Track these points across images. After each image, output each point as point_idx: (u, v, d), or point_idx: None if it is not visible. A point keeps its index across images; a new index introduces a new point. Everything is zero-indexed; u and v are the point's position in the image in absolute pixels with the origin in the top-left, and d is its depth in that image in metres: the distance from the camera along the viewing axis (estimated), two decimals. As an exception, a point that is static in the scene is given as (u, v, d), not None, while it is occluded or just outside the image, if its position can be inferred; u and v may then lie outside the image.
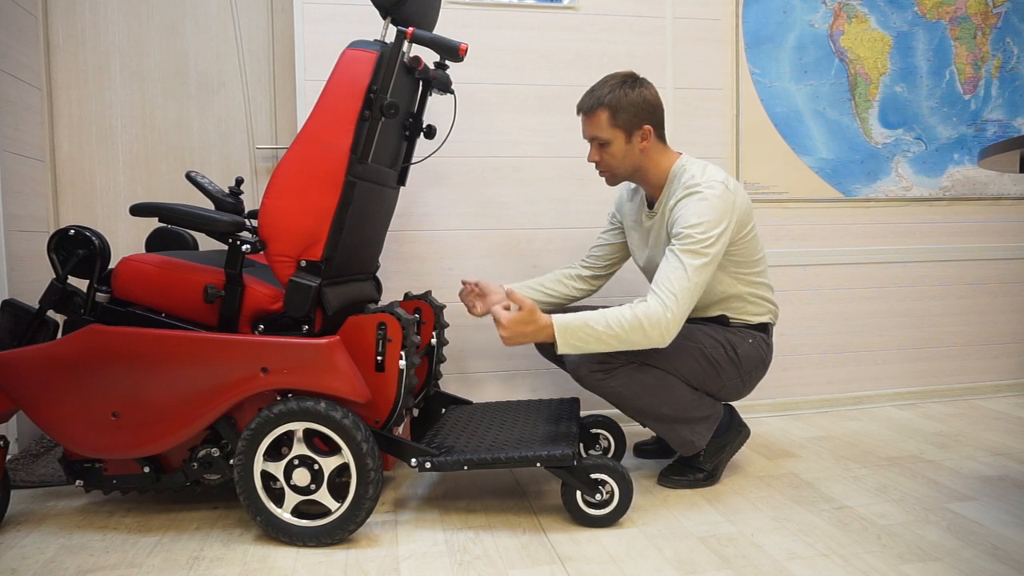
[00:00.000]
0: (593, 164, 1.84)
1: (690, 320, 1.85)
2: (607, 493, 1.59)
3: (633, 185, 1.96)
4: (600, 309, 1.62)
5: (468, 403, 2.04)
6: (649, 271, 1.90)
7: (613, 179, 1.82)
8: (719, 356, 1.76)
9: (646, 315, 1.56)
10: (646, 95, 1.73)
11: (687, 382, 1.76)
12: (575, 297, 2.02)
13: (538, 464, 1.56)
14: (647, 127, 1.74)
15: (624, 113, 1.72)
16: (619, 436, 1.99)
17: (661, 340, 1.57)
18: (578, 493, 1.59)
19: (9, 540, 1.56)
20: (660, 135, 1.78)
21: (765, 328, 1.85)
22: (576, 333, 1.56)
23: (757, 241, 1.79)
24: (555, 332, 1.56)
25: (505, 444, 1.62)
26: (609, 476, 1.58)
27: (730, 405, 1.92)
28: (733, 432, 1.89)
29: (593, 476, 1.58)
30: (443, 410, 2.01)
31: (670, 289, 1.58)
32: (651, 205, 1.84)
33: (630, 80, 1.74)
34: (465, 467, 1.55)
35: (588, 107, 1.76)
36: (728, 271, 1.77)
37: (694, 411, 1.77)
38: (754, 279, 1.80)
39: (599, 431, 2.00)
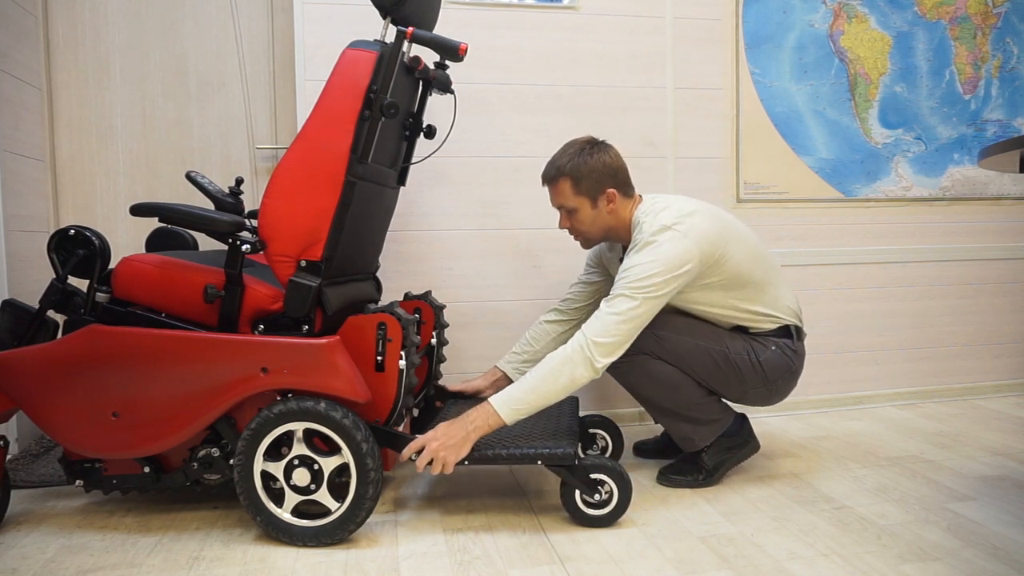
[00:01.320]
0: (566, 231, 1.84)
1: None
2: (606, 493, 1.59)
3: None
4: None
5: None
6: None
7: (587, 243, 1.83)
8: (741, 362, 1.75)
9: (572, 348, 1.57)
10: (606, 159, 1.73)
11: (703, 384, 1.77)
12: (564, 324, 2.01)
13: (539, 462, 1.56)
14: (611, 190, 1.74)
15: (586, 180, 1.72)
16: (617, 436, 1.99)
17: (591, 368, 1.57)
18: (577, 493, 1.59)
19: (9, 540, 1.56)
20: (626, 193, 1.77)
21: (789, 334, 1.82)
22: (513, 397, 1.56)
23: (737, 260, 1.72)
24: (495, 409, 1.55)
25: (505, 441, 1.62)
26: (608, 476, 1.58)
27: (742, 414, 1.91)
28: (741, 438, 1.87)
29: (592, 476, 1.58)
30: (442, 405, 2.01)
31: (594, 320, 1.59)
32: None
33: (588, 146, 1.74)
34: (465, 462, 1.55)
35: (550, 177, 1.77)
36: (718, 301, 1.76)
37: (699, 412, 1.77)
38: (753, 296, 1.77)
39: (596, 431, 2.00)
